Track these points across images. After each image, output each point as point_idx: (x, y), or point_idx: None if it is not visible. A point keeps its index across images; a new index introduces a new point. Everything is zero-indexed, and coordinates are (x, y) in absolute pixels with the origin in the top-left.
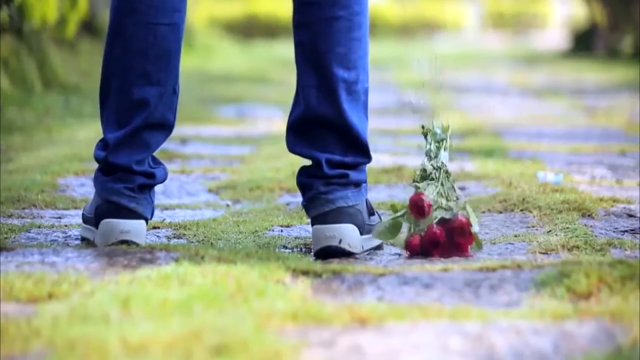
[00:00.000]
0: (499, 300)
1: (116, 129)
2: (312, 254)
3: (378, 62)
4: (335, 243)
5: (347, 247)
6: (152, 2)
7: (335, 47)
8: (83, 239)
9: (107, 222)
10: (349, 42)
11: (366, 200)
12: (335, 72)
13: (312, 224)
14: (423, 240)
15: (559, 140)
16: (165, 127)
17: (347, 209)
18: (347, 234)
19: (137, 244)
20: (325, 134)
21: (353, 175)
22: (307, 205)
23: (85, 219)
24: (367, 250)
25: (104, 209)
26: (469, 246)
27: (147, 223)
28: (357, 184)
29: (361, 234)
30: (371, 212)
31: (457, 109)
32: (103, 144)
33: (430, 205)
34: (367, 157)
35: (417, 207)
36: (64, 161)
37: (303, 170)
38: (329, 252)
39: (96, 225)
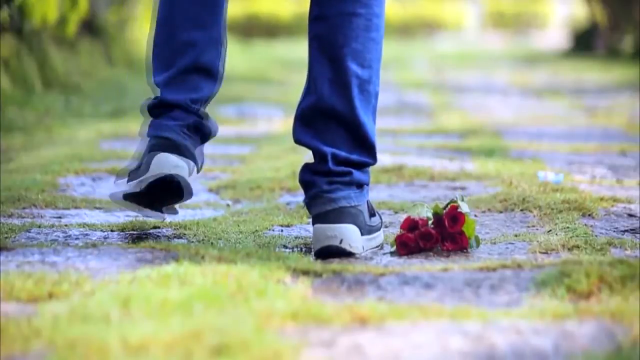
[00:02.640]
0: (499, 300)
1: (165, 70)
2: (313, 253)
3: None
4: (336, 243)
5: (347, 248)
6: None
7: (352, 43)
8: (123, 203)
9: (160, 155)
10: (366, 41)
11: (367, 201)
12: (349, 66)
13: (313, 223)
14: (415, 236)
15: (560, 140)
16: (214, 75)
17: (349, 209)
18: (348, 234)
19: (185, 183)
20: (334, 127)
21: (357, 175)
22: (309, 203)
23: (127, 171)
24: (367, 251)
25: (157, 145)
26: (468, 241)
27: (196, 170)
28: (360, 185)
29: (362, 234)
30: (372, 213)
31: (457, 108)
32: (152, 99)
33: (423, 220)
34: (373, 158)
35: (410, 226)
36: (64, 161)
37: (306, 168)
38: (329, 252)
39: (147, 167)
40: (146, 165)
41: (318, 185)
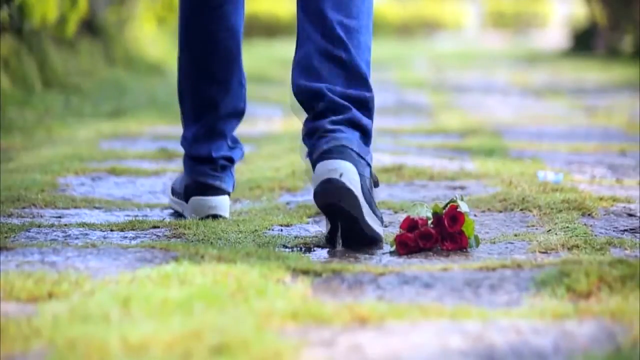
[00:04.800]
0: (499, 299)
1: (193, 124)
2: (313, 195)
3: (378, 62)
4: (335, 175)
5: (347, 183)
6: (213, 13)
7: None
8: (173, 211)
9: (196, 200)
10: None
11: (370, 169)
12: (332, 16)
13: (314, 165)
14: (415, 236)
15: (559, 139)
16: (237, 115)
17: (351, 151)
18: (349, 173)
19: (224, 217)
20: (330, 66)
21: (357, 115)
22: (312, 148)
23: (175, 193)
24: (370, 215)
25: (193, 188)
26: (468, 241)
27: (229, 196)
28: (364, 132)
29: (363, 194)
30: (375, 183)
31: (457, 108)
32: (184, 137)
33: (423, 220)
34: (370, 91)
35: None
36: (64, 161)
37: (307, 120)
38: (328, 189)
39: (186, 200)
40: (188, 210)
41: (321, 127)
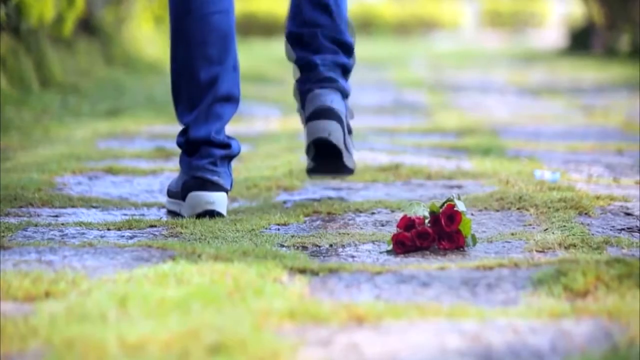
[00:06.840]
0: (496, 298)
1: (190, 111)
2: (305, 146)
3: (376, 61)
4: (325, 135)
5: (334, 140)
6: None
7: None
8: (169, 212)
9: (194, 195)
10: None
11: (347, 110)
12: None
13: (307, 122)
14: (412, 235)
15: (557, 138)
16: (233, 100)
17: (337, 112)
18: (336, 133)
19: (221, 214)
20: (318, 37)
21: (342, 83)
22: (306, 102)
23: (171, 194)
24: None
25: (191, 184)
26: (465, 239)
27: (227, 193)
28: (345, 94)
29: (344, 137)
30: (349, 130)
31: (454, 107)
32: (182, 132)
33: (420, 219)
34: (353, 56)
35: (406, 225)
36: (61, 160)
37: (299, 81)
38: (319, 144)
39: (183, 199)
40: (185, 206)
41: (311, 88)
